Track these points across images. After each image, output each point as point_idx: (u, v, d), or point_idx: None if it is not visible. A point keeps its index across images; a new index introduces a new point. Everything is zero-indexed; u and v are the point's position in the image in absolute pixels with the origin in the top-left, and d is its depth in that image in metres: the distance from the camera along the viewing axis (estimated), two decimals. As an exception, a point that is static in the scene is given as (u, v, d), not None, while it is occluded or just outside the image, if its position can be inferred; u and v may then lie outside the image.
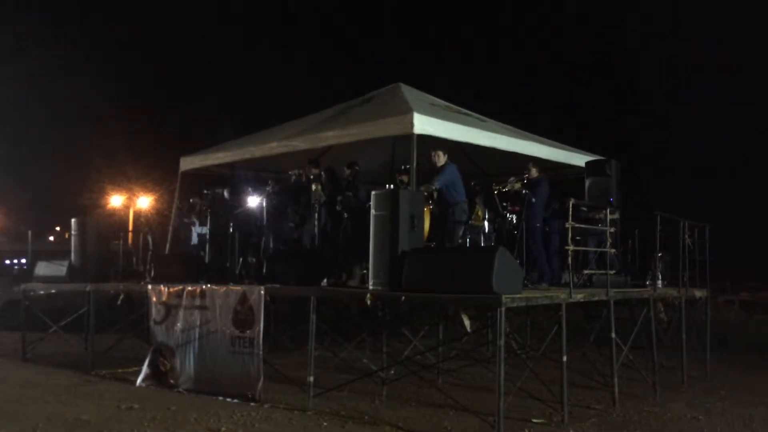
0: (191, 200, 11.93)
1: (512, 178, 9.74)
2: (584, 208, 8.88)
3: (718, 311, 14.79)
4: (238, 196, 11.15)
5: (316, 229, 9.63)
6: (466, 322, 7.24)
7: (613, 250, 9.08)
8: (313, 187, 9.57)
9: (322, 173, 9.85)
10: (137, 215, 27.83)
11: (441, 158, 8.94)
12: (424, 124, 8.25)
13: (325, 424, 7.21)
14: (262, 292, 8.34)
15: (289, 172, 10.37)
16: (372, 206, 7.53)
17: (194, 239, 11.81)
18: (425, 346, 9.94)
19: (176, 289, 9.24)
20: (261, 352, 8.18)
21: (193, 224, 11.87)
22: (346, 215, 9.45)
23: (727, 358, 12.13)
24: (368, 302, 7.48)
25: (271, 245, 10.30)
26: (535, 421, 7.42)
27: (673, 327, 10.39)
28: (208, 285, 8.99)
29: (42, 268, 11.62)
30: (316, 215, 9.62)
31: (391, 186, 9.16)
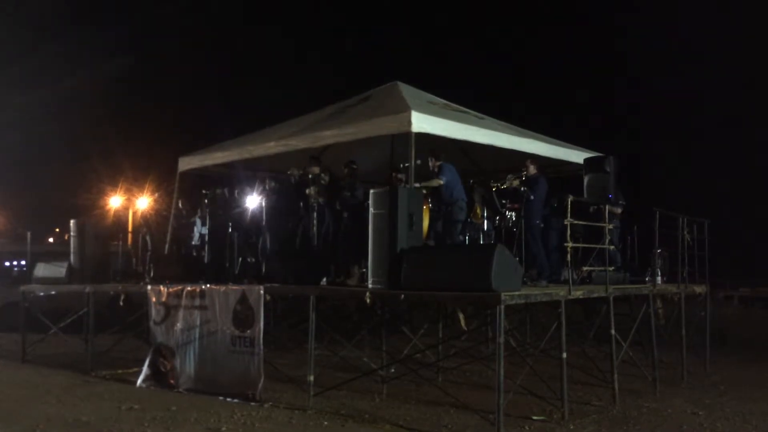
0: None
1: (510, 176, 9.74)
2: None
3: (718, 307, 14.82)
4: (236, 195, 11.15)
5: (314, 229, 9.62)
6: (462, 321, 7.24)
7: (612, 247, 9.06)
8: (308, 190, 9.56)
9: (322, 174, 9.84)
10: (136, 216, 27.80)
11: (434, 162, 9.01)
12: (421, 122, 8.24)
13: (325, 423, 7.21)
14: (262, 291, 8.34)
15: (288, 173, 10.36)
16: (370, 205, 7.53)
17: (196, 239, 11.80)
18: (425, 344, 9.94)
19: (176, 289, 9.24)
20: (261, 352, 8.18)
21: (195, 224, 11.86)
22: (344, 214, 9.46)
23: (726, 353, 12.14)
24: (368, 301, 7.48)
25: (270, 245, 10.29)
26: (535, 418, 7.42)
27: (672, 323, 10.39)
28: (208, 285, 8.99)
29: (41, 270, 11.61)
30: (315, 214, 9.61)
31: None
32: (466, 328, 7.61)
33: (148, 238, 12.53)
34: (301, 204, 9.91)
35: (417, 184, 8.42)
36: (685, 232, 9.78)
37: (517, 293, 6.90)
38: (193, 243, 11.85)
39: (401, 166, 8.98)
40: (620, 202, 10.04)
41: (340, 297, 9.69)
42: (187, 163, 11.65)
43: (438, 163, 9.04)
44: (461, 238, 9.28)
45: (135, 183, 30.43)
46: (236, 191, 11.22)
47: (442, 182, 8.91)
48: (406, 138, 8.16)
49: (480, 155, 10.85)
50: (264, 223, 10.29)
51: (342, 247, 9.42)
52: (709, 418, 7.68)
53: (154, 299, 9.45)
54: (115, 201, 30.66)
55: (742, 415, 7.82)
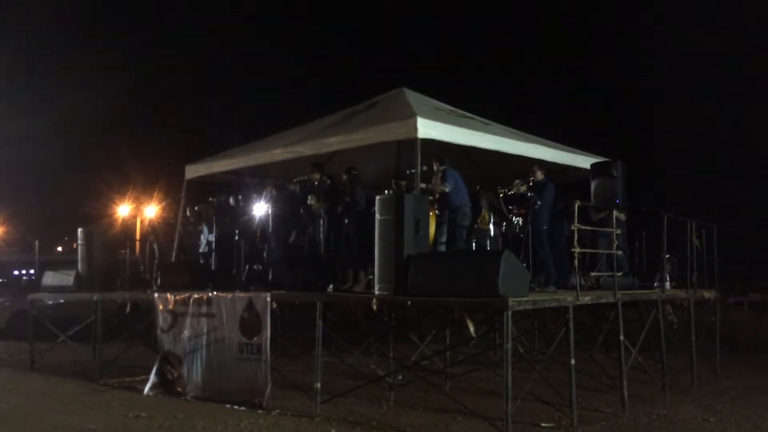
0: (196, 207, 11.94)
1: (517, 181, 9.71)
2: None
3: (728, 312, 14.68)
4: (243, 203, 11.17)
5: (321, 235, 9.63)
6: (471, 327, 7.22)
7: (620, 252, 9.02)
8: (309, 199, 9.56)
9: (325, 180, 9.83)
10: (144, 224, 27.90)
11: (438, 167, 8.99)
12: (427, 129, 8.25)
13: (332, 430, 7.19)
14: (269, 298, 8.33)
15: (294, 181, 10.37)
16: (377, 211, 7.53)
17: (203, 246, 11.82)
18: (432, 351, 9.91)
19: (183, 296, 9.25)
20: (268, 359, 8.17)
21: (202, 231, 11.89)
22: (345, 220, 9.45)
23: (736, 359, 12.04)
24: (374, 307, 7.47)
25: (277, 252, 10.30)
26: (543, 425, 7.38)
27: (682, 328, 10.31)
28: (215, 292, 9.00)
29: (49, 278, 11.66)
30: (321, 221, 9.62)
31: (391, 191, 9.14)
32: (474, 335, 7.58)
33: (155, 246, 12.57)
34: (304, 211, 9.91)
35: (423, 185, 8.41)
36: (694, 237, 9.72)
37: (524, 299, 6.87)
38: (200, 250, 11.88)
39: (407, 172, 8.98)
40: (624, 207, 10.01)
41: (347, 304, 9.68)
42: (194, 171, 11.69)
43: (443, 168, 9.00)
44: (466, 244, 9.24)
45: (143, 191, 30.57)
46: (243, 199, 11.25)
47: (447, 189, 8.87)
48: (413, 144, 8.16)
49: (486, 161, 10.83)
50: (270, 230, 10.29)
51: (347, 253, 9.42)
52: (720, 424, 7.61)
53: (161, 307, 9.46)
54: (122, 209, 30.78)
55: (753, 421, 7.75)
